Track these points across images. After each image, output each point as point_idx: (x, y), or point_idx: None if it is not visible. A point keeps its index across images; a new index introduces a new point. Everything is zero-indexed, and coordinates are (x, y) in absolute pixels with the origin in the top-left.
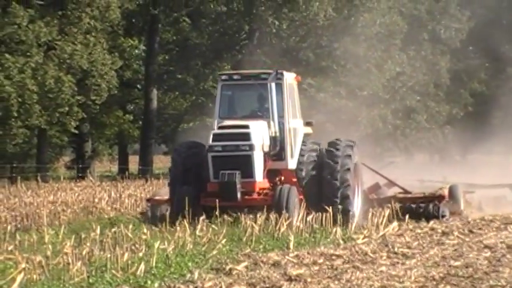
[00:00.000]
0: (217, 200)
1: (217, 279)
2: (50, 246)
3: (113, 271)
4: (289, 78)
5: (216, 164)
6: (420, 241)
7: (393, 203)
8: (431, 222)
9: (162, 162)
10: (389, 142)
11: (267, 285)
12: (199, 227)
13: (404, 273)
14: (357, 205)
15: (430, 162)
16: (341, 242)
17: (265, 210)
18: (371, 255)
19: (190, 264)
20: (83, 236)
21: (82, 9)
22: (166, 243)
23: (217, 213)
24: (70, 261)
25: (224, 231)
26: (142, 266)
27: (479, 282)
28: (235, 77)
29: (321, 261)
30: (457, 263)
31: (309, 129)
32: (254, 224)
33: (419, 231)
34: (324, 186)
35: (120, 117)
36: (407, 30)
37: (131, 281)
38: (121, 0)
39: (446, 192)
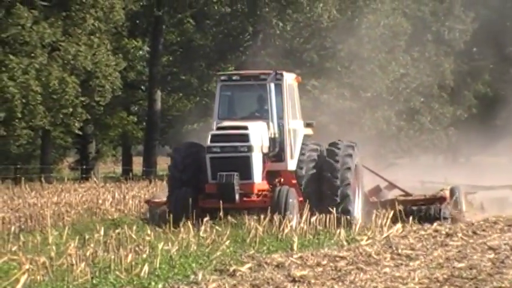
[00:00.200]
0: (220, 202)
1: (221, 281)
2: (53, 247)
3: (117, 272)
4: (289, 78)
5: (214, 165)
6: (424, 243)
7: (397, 205)
8: (435, 224)
9: (166, 163)
10: (393, 143)
11: (271, 287)
12: (203, 228)
13: (408, 275)
14: (357, 206)
15: (434, 164)
16: (345, 243)
17: (268, 211)
18: (375, 256)
19: (194, 265)
20: (86, 237)
21: (86, 10)
22: (170, 244)
23: (220, 214)
24: (74, 262)
25: (228, 232)
26: (146, 267)
27: (483, 284)
28: (234, 77)
29: (324, 262)
30: (460, 265)
31: (309, 131)
32: (258, 226)
33: (423, 232)
34: (324, 184)
35: (124, 118)
36: (411, 32)
37: (135, 282)
38: (125, 2)
39: (447, 194)
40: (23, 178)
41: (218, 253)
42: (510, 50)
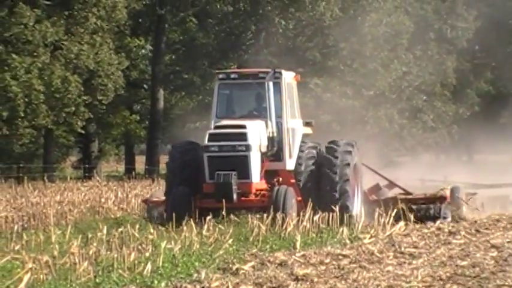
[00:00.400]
0: (220, 202)
1: (224, 279)
2: (56, 246)
3: (120, 271)
4: (288, 77)
5: (212, 165)
6: (427, 241)
7: (398, 203)
8: (438, 222)
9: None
10: (395, 142)
11: (274, 285)
12: (205, 227)
13: (411, 273)
14: (356, 204)
15: (436, 162)
16: (348, 241)
17: (271, 210)
18: (378, 255)
19: (197, 264)
20: (89, 235)
21: (88, 9)
22: (173, 243)
23: (223, 213)
24: (77, 261)
25: (231, 231)
26: (149, 266)
27: (486, 282)
28: (232, 75)
29: (327, 261)
30: (463, 263)
31: (308, 130)
32: (261, 224)
33: (426, 231)
34: (322, 181)
35: (126, 117)
36: (414, 30)
37: (138, 281)
38: (127, 0)
39: (448, 193)
40: (25, 177)
41: (221, 252)
42: None
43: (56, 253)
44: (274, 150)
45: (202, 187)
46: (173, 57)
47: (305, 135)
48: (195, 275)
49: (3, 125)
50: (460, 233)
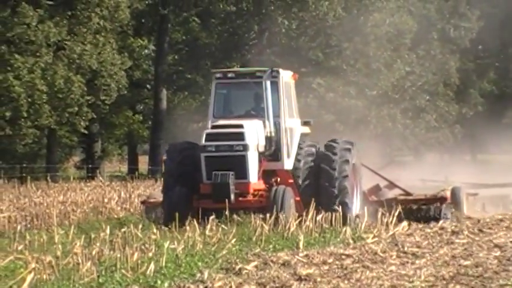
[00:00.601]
0: (221, 203)
1: (227, 279)
2: (59, 246)
3: (123, 271)
4: (286, 76)
5: (209, 165)
6: (430, 240)
7: (399, 205)
8: (441, 222)
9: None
10: (398, 142)
11: (277, 285)
12: (208, 227)
13: (414, 273)
14: (355, 203)
15: (439, 162)
16: (351, 241)
17: (270, 210)
18: (381, 254)
19: (200, 264)
20: (92, 236)
21: (91, 9)
22: (176, 243)
23: (226, 213)
24: (80, 261)
25: (234, 231)
26: (152, 266)
27: (489, 282)
28: (229, 75)
29: (330, 260)
30: (466, 263)
31: (306, 129)
32: (264, 224)
33: (428, 230)
34: (321, 177)
35: (129, 117)
36: (417, 30)
37: (141, 281)
38: (130, 0)
39: (448, 194)
40: (28, 177)
41: (224, 252)
42: None
43: (59, 253)
44: (272, 150)
45: (199, 187)
46: (176, 57)
47: (303, 135)
48: (198, 275)
49: (6, 125)
50: (463, 233)
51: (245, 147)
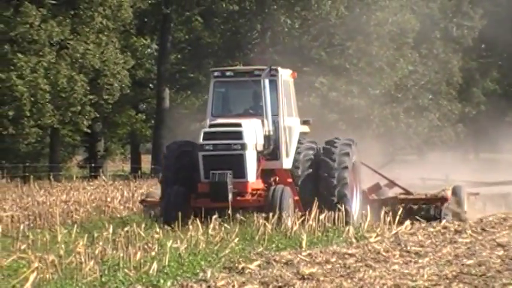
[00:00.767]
0: (219, 202)
1: (230, 278)
2: (62, 245)
3: (126, 270)
4: (285, 74)
5: (207, 164)
6: (433, 239)
7: (399, 204)
8: (444, 221)
9: None
10: (401, 141)
11: (280, 284)
12: (211, 226)
13: (417, 272)
14: (355, 205)
15: (441, 161)
16: (354, 240)
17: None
18: (384, 253)
19: (203, 263)
20: (95, 235)
21: (94, 8)
22: (178, 242)
23: (229, 212)
24: (83, 260)
25: (236, 230)
26: (155, 265)
27: (492, 281)
28: (228, 73)
29: (333, 260)
30: (469, 262)
31: (305, 128)
32: (266, 223)
33: (431, 229)
34: (320, 184)
35: (132, 116)
36: (420, 29)
37: (144, 280)
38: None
39: (449, 193)
40: (31, 176)
41: (227, 251)
42: None
43: (62, 252)
44: (271, 149)
45: (197, 186)
46: (179, 56)
47: (303, 134)
48: (201, 274)
49: (9, 125)
50: (466, 232)
51: (243, 146)
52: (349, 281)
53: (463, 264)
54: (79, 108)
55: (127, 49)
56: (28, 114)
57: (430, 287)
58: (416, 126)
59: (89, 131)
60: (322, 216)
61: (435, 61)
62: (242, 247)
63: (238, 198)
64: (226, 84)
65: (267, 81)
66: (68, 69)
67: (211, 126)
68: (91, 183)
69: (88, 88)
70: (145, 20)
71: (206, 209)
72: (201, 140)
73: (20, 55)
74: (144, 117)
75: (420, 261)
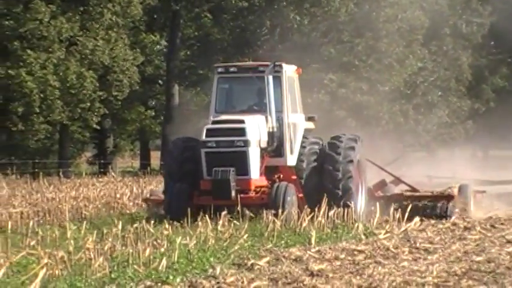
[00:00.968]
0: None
1: (239, 275)
2: (72, 241)
3: (135, 266)
4: (289, 70)
5: (210, 161)
6: (442, 236)
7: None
8: (453, 217)
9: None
10: (410, 137)
11: (289, 281)
12: (220, 222)
13: (426, 269)
14: (360, 201)
15: (447, 158)
16: (363, 237)
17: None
18: (393, 250)
19: (212, 259)
20: (105, 231)
21: (104, 4)
22: (188, 238)
23: (238, 209)
24: (92, 256)
25: (246, 226)
26: (164, 261)
27: (502, 277)
28: (231, 69)
29: (342, 256)
30: (479, 258)
31: (310, 124)
32: (276, 219)
33: (441, 226)
34: (325, 178)
35: (141, 112)
36: (429, 25)
37: (153, 276)
38: None
39: (455, 191)
40: (41, 173)
41: (236, 247)
42: None
43: (71, 248)
44: (275, 146)
45: (200, 184)
46: (188, 52)
47: (307, 130)
48: (210, 270)
49: (19, 121)
50: (475, 229)
51: (246, 143)
52: (358, 277)
53: (472, 261)
54: (88, 104)
55: (136, 45)
56: (37, 110)
57: (440, 284)
58: (425, 123)
59: (98, 127)
60: (331, 213)
61: (444, 58)
62: (251, 243)
63: (242, 195)
64: (230, 80)
65: (271, 77)
66: (78, 66)
67: (214, 122)
68: (100, 180)
69: (97, 84)
70: (155, 16)
71: (209, 206)
72: (203, 137)
73: (29, 51)
74: (153, 113)
75: (429, 257)
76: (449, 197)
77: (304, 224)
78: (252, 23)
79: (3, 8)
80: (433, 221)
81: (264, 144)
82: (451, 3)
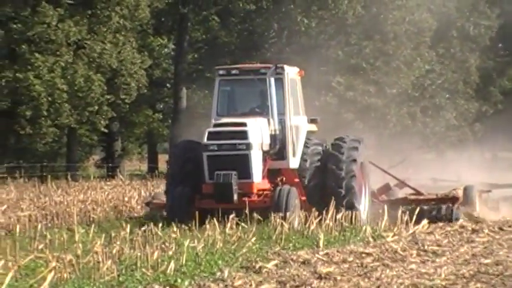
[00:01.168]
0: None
1: (247, 278)
2: (80, 245)
3: (143, 269)
4: (291, 72)
5: (211, 164)
6: (450, 239)
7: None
8: (461, 220)
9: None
10: (418, 140)
11: (297, 284)
12: (228, 225)
13: (434, 271)
14: (363, 203)
15: (459, 160)
16: (371, 240)
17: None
18: (401, 253)
19: (220, 262)
20: (113, 234)
21: (111, 8)
22: (196, 241)
23: (246, 212)
24: (100, 259)
25: (254, 229)
26: (172, 265)
27: (510, 280)
28: (233, 71)
29: (350, 259)
30: (487, 261)
31: (313, 127)
32: (284, 222)
33: (449, 228)
34: (328, 177)
35: (149, 116)
36: (437, 28)
37: (161, 280)
38: None
39: (460, 193)
40: (49, 176)
41: (244, 250)
42: None
43: (79, 252)
44: (277, 149)
45: (202, 187)
46: (196, 55)
47: (310, 133)
48: (218, 273)
49: (27, 124)
50: (483, 231)
51: (248, 146)
52: (366, 280)
53: (480, 264)
54: (96, 107)
55: (144, 49)
56: (45, 114)
57: (448, 286)
58: (433, 125)
59: (106, 130)
60: (339, 216)
61: (452, 60)
62: (259, 246)
63: (244, 199)
64: (231, 83)
65: (272, 80)
66: (85, 69)
67: (215, 125)
68: (108, 183)
69: (105, 88)
70: (163, 19)
71: (216, 210)
72: (205, 140)
73: (37, 55)
74: (161, 116)
75: (437, 260)
76: (454, 199)
77: (312, 227)
78: (260, 26)
79: (11, 12)
80: (441, 224)
81: (266, 147)
82: (458, 6)
